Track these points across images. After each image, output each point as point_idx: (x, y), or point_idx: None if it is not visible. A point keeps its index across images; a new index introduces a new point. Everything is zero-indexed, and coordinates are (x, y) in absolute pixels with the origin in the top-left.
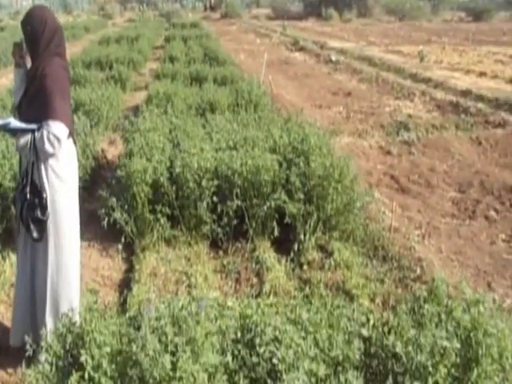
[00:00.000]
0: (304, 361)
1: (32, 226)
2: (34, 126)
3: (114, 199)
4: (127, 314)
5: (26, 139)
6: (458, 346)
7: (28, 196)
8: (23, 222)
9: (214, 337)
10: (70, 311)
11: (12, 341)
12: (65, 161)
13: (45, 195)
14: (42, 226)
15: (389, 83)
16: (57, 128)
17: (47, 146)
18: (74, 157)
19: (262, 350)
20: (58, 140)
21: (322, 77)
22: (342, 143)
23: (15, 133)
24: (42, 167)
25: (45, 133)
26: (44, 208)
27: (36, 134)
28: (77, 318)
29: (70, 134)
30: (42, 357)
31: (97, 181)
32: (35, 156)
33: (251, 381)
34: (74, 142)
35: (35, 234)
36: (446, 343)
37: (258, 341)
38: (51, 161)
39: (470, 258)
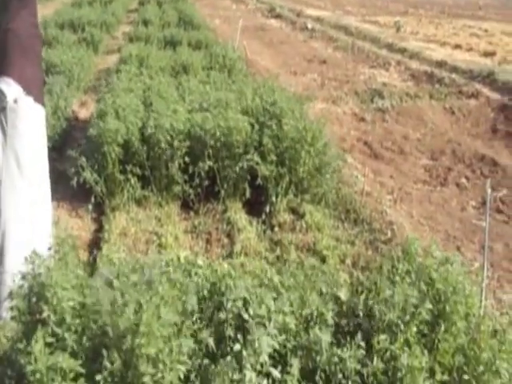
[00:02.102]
0: (276, 316)
1: None
2: None
3: (83, 159)
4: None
5: None
6: (430, 306)
7: None
8: None
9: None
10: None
11: None
12: (22, 118)
13: None
14: None
15: (364, 52)
16: (4, 84)
17: None
18: (36, 115)
19: (229, 305)
20: (3, 95)
21: (297, 44)
22: (316, 109)
23: None
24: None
25: None
26: None
27: None
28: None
29: (30, 92)
30: (4, 313)
31: (67, 141)
32: None
33: (219, 337)
34: (39, 101)
35: None
36: (416, 301)
37: (226, 298)
38: (8, 115)
39: (440, 223)
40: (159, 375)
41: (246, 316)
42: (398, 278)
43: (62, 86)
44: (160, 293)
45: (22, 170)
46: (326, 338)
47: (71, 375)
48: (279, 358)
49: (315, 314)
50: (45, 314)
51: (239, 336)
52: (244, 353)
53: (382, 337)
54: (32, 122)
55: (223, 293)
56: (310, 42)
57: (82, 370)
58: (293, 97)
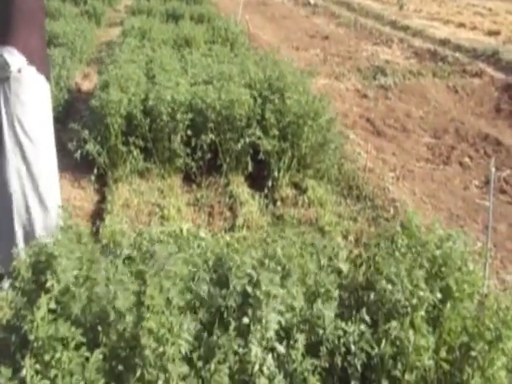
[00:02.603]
0: (284, 294)
1: None
2: None
3: (86, 131)
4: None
5: None
6: (439, 296)
7: None
8: None
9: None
10: (40, 232)
11: None
12: (26, 87)
13: None
14: None
15: (367, 29)
16: (8, 53)
17: None
18: (40, 86)
19: (235, 283)
20: (7, 65)
21: (299, 19)
22: (319, 84)
23: None
24: (1, 89)
25: None
26: None
27: None
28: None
29: (33, 62)
30: (6, 284)
31: (70, 113)
32: None
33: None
34: (42, 71)
35: None
36: (423, 285)
37: (232, 277)
38: (11, 84)
39: (443, 201)
40: (161, 349)
41: (253, 292)
42: (397, 254)
43: (65, 57)
44: (171, 276)
45: (28, 139)
46: (329, 312)
47: (73, 344)
48: (284, 333)
49: (319, 288)
50: (49, 284)
51: (249, 311)
52: (251, 327)
53: (393, 324)
54: (35, 92)
55: (229, 267)
56: (312, 18)
57: (83, 340)
58: (296, 71)
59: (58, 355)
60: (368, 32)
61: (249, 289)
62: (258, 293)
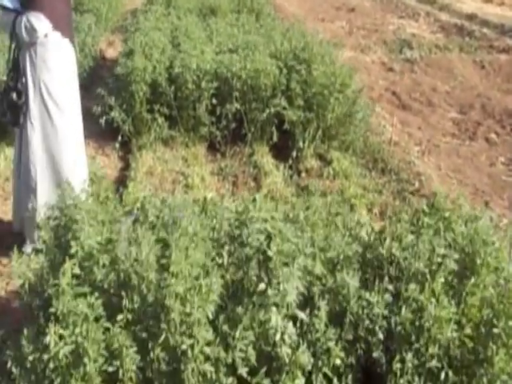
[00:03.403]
0: (299, 257)
1: (7, 110)
2: (18, 8)
3: (111, 98)
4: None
5: (8, 18)
6: (456, 256)
7: (6, 79)
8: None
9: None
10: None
11: (14, 227)
12: (51, 52)
13: (24, 80)
14: (16, 110)
15: (393, 2)
16: (35, 19)
17: (24, 34)
18: (65, 50)
19: (250, 240)
20: (35, 30)
21: None
22: (344, 57)
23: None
24: (27, 54)
25: (24, 20)
26: (20, 92)
27: (18, 18)
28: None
29: (58, 27)
30: (28, 248)
31: (94, 80)
32: (16, 40)
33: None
34: (67, 36)
35: (10, 118)
36: (443, 251)
37: (247, 232)
38: (37, 49)
39: (468, 177)
40: (187, 310)
41: (269, 252)
42: (423, 230)
43: (90, 24)
44: (190, 232)
45: (55, 105)
46: (353, 282)
47: (92, 318)
48: (305, 302)
49: (341, 256)
50: (73, 250)
51: (263, 274)
52: (269, 292)
53: (412, 286)
54: (61, 57)
55: (246, 224)
56: None
57: (103, 313)
58: (322, 42)
59: (78, 327)
60: (394, 5)
61: (264, 247)
62: (274, 257)
